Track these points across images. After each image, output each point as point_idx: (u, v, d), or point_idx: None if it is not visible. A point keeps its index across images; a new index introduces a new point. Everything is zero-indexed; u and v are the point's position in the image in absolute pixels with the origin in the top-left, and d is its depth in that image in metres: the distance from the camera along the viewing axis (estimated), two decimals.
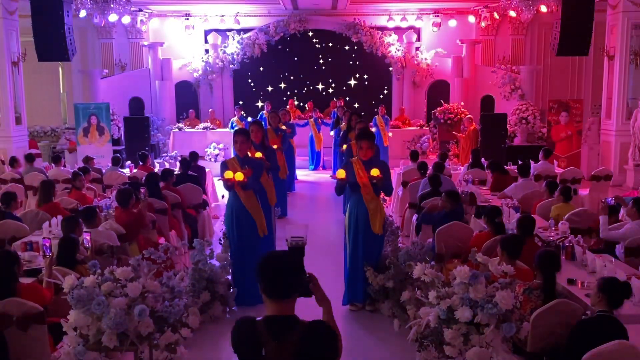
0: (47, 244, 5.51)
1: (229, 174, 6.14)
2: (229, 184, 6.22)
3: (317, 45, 17.47)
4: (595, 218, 6.93)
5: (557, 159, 12.95)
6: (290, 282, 2.60)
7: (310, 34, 17.23)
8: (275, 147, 9.48)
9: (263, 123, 9.30)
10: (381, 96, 17.41)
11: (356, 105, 17.23)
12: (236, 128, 13.08)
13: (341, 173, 6.01)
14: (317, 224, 9.72)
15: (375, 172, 5.92)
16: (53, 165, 11.21)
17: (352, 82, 17.69)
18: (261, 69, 17.53)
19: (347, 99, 17.14)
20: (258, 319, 2.62)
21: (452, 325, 4.41)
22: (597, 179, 10.51)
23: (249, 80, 17.58)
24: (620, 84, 13.14)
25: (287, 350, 2.51)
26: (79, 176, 8.57)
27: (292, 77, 17.70)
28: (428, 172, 9.21)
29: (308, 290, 2.73)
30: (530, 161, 10.40)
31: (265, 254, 2.67)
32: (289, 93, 17.54)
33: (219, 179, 6.47)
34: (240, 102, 17.26)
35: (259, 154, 7.56)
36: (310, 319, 2.64)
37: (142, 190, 7.67)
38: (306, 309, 2.89)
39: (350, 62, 17.54)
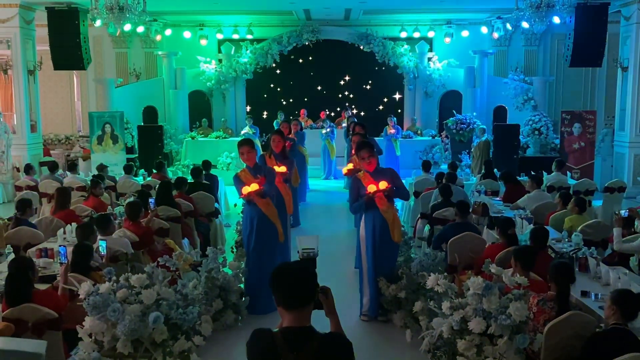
0: (64, 251, 5.56)
1: (246, 190, 6.15)
2: (248, 198, 6.23)
3: (329, 56, 17.51)
4: (609, 230, 6.90)
5: (570, 170, 12.90)
6: (305, 291, 2.59)
7: (323, 44, 17.28)
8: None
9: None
10: (394, 106, 17.43)
11: (362, 114, 17.29)
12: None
13: (372, 187, 5.82)
14: (329, 234, 9.68)
15: (383, 184, 5.83)
16: (68, 173, 11.30)
17: (365, 92, 17.71)
18: (274, 79, 17.62)
19: (359, 109, 17.18)
20: (274, 330, 2.60)
21: (465, 336, 4.41)
22: (610, 191, 10.45)
23: (262, 90, 17.68)
24: (634, 95, 13.08)
25: None
26: (98, 184, 8.71)
27: (304, 87, 17.76)
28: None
29: (319, 302, 2.72)
30: (544, 172, 10.37)
31: (278, 266, 2.66)
32: (301, 103, 17.58)
33: (237, 190, 6.45)
34: (248, 108, 17.49)
35: (283, 169, 7.58)
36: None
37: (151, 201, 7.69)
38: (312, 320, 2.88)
39: (363, 72, 17.57)
